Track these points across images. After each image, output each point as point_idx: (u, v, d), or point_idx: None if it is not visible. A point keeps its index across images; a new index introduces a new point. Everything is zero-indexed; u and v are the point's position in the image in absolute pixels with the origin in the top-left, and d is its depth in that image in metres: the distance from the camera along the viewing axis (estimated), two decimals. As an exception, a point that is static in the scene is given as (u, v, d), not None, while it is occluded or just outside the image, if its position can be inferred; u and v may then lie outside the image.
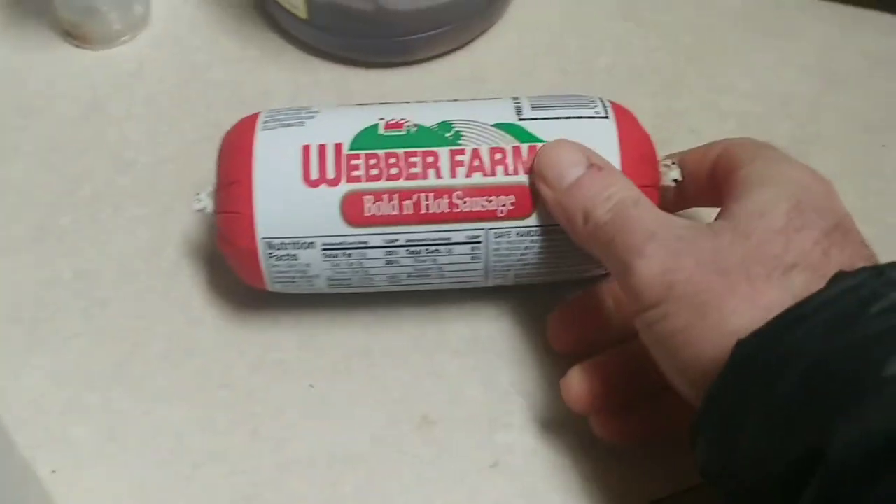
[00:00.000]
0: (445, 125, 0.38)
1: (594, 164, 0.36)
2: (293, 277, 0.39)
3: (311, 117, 0.39)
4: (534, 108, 0.39)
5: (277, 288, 0.40)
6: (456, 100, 0.41)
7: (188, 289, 0.43)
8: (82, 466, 0.38)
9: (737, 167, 0.36)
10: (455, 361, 0.41)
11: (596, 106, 0.39)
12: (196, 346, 0.41)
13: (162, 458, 0.38)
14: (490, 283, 0.40)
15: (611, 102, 0.40)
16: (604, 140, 0.38)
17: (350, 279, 0.39)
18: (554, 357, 0.40)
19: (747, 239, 0.32)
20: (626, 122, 0.39)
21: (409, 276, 0.39)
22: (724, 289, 0.31)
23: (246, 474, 0.38)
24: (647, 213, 0.34)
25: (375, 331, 0.42)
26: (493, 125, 0.38)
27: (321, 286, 0.39)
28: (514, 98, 0.40)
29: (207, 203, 0.40)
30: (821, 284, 0.29)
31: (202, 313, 0.42)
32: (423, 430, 0.39)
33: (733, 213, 0.33)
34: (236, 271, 0.40)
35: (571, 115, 0.39)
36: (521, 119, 0.38)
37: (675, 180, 0.39)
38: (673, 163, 0.39)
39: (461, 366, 0.41)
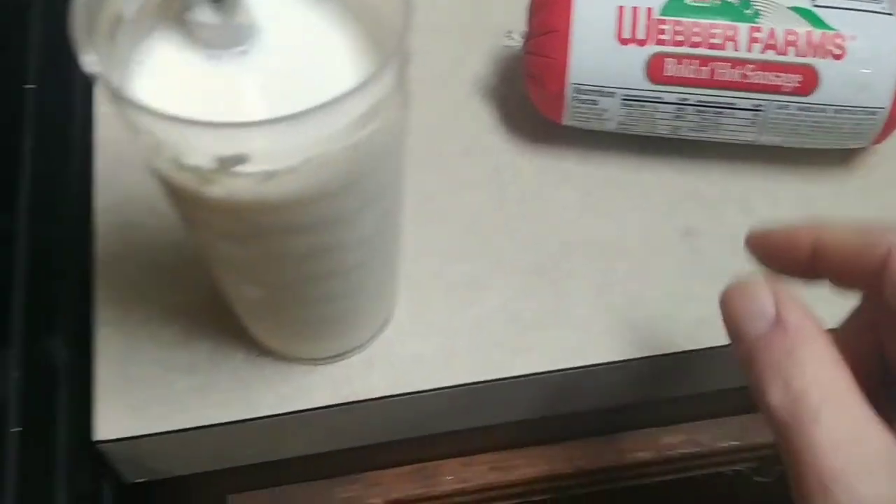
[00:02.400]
0: (746, 2, 0.43)
1: (782, 319, 0.28)
2: (588, 118, 0.46)
3: (626, -20, 0.44)
4: (828, -6, 0.43)
5: (570, 123, 0.47)
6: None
7: (481, 111, 0.50)
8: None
9: None
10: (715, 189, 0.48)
11: (882, 2, 0.43)
12: (490, 152, 0.49)
13: (465, 226, 0.47)
14: (756, 143, 0.46)
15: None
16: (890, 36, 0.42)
17: (636, 125, 0.46)
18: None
19: None
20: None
21: (689, 130, 0.45)
22: None
23: (535, 249, 0.46)
24: (831, 429, 0.26)
25: (645, 154, 0.49)
26: (790, 7, 0.43)
27: (608, 127, 0.46)
28: (811, -18, 0.44)
29: (518, 43, 0.47)
30: None
31: (495, 133, 0.50)
32: (686, 239, 0.46)
33: None
34: (538, 105, 0.47)
35: (861, 8, 0.43)
36: (815, 5, 0.43)
37: None
38: None
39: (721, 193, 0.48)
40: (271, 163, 0.27)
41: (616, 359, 0.42)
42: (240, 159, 0.26)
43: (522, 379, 0.42)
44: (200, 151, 0.27)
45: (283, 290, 0.35)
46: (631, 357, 0.42)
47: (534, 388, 0.43)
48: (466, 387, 0.42)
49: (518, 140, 0.49)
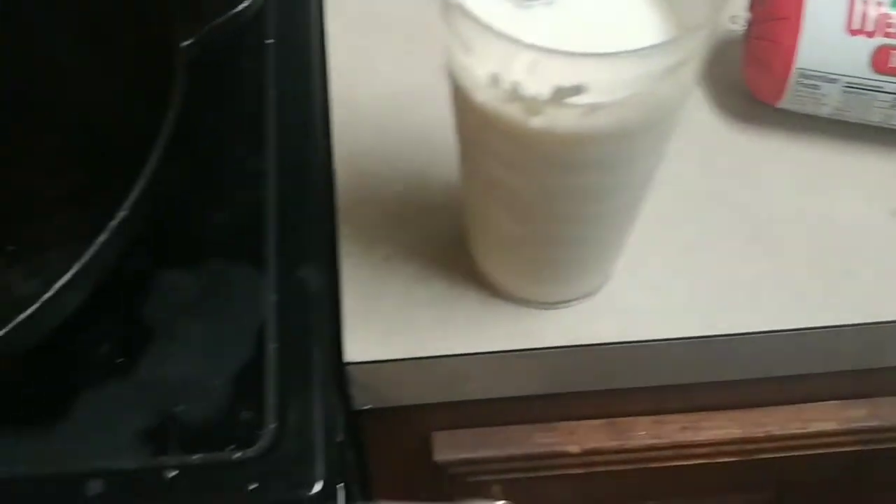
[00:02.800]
0: (972, -2, 0.45)
1: None
2: (805, 102, 0.48)
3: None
4: None
5: (786, 106, 0.49)
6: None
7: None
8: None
9: None
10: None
11: None
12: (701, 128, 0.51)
13: (678, 193, 0.49)
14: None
15: None
16: None
17: (850, 111, 0.48)
18: None
19: None
20: None
21: (898, 118, 0.48)
22: None
23: (746, 218, 0.48)
24: None
25: (851, 139, 0.51)
26: None
27: (822, 112, 0.49)
28: None
29: (741, 27, 0.49)
30: None
31: (705, 111, 0.52)
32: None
33: None
34: (755, 87, 0.49)
35: None
36: None
37: None
38: None
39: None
40: (602, 96, 0.30)
41: (831, 324, 0.44)
42: (577, 90, 0.30)
43: (737, 338, 0.45)
44: (543, 81, 0.30)
45: (546, 226, 0.38)
46: (845, 323, 0.44)
47: (746, 348, 0.45)
48: (683, 341, 0.45)
49: (728, 118, 0.52)
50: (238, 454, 0.40)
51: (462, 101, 0.34)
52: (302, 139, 0.50)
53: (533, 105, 0.31)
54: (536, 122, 0.31)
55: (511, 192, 0.37)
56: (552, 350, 0.44)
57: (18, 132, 0.49)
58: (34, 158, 0.47)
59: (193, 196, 0.47)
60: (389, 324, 0.45)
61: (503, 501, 0.47)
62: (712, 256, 0.47)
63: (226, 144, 0.49)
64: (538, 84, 0.30)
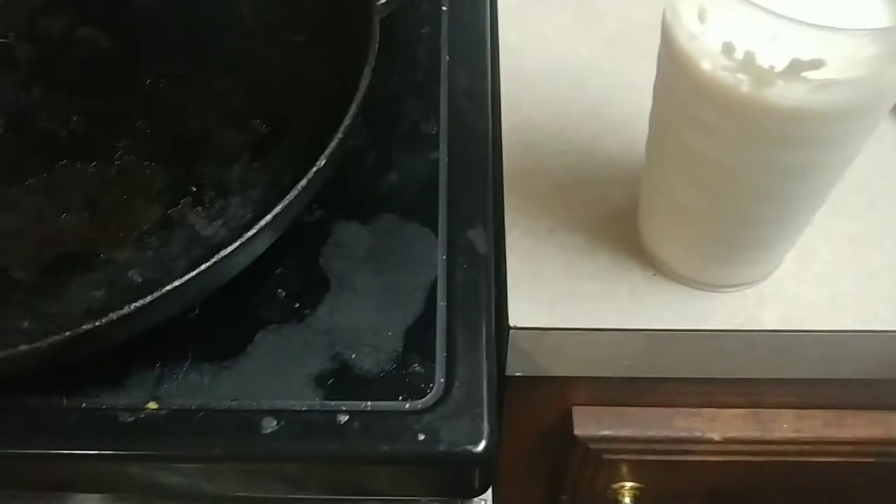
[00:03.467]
0: None
1: None
2: None
3: None
4: None
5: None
6: None
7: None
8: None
9: None
10: None
11: None
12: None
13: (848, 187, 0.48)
14: None
15: None
16: None
17: None
18: None
19: None
20: None
21: None
22: None
23: None
24: None
25: None
26: None
27: None
28: None
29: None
30: None
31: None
32: None
33: None
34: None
35: None
36: None
37: None
38: None
39: None
40: (837, 72, 0.30)
41: None
42: (815, 64, 0.30)
43: (902, 335, 0.44)
44: (780, 52, 0.30)
45: (737, 203, 0.38)
46: None
47: (911, 346, 0.45)
48: (852, 333, 0.44)
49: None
50: (407, 405, 0.41)
51: (675, 68, 0.35)
52: (472, 106, 0.50)
53: (765, 76, 0.31)
54: (765, 93, 0.31)
55: (708, 165, 0.37)
56: (715, 333, 0.44)
57: (212, 80, 0.50)
58: (225, 107, 0.49)
59: (370, 153, 0.49)
60: (552, 293, 0.45)
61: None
62: (880, 251, 0.46)
63: (402, 105, 0.50)
64: (774, 55, 0.30)
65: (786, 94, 0.31)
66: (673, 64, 0.35)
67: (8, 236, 0.44)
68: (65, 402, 0.40)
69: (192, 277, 0.36)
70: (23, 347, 0.34)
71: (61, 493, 0.46)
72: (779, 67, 0.30)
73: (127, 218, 0.45)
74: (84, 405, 0.40)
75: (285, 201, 0.39)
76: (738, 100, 0.32)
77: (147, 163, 0.46)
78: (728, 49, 0.31)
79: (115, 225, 0.44)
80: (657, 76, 0.39)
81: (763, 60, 0.30)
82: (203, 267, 0.36)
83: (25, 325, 0.41)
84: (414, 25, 0.54)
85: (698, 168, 0.38)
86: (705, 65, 0.32)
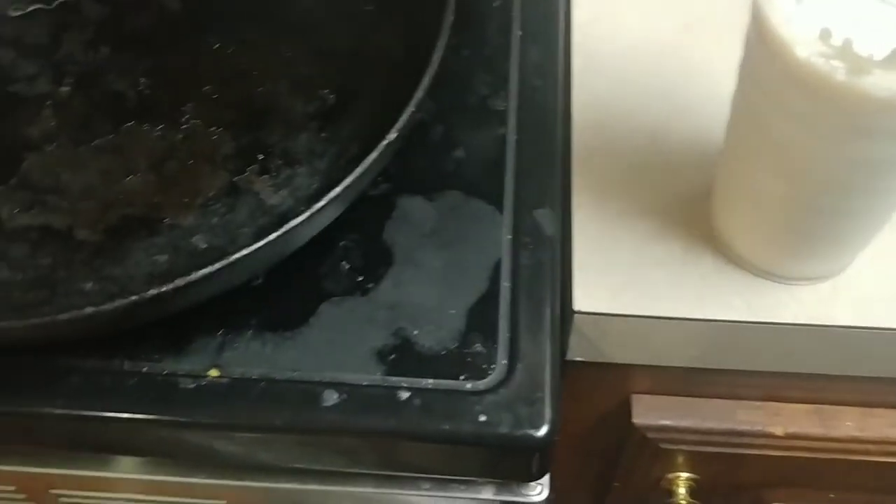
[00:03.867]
0: None
1: None
2: None
3: None
4: None
5: None
6: None
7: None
8: None
9: None
10: None
11: None
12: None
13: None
14: None
15: None
16: None
17: None
18: None
19: None
20: None
21: None
22: None
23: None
24: None
25: None
26: None
27: None
28: None
29: None
30: None
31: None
32: None
33: None
34: None
35: None
36: None
37: None
38: None
39: None
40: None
41: None
42: (921, 54, 0.28)
43: (984, 338, 0.43)
44: (882, 41, 0.29)
45: (821, 194, 0.37)
46: None
47: None
48: (929, 333, 0.43)
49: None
50: (469, 384, 0.40)
51: (766, 52, 0.33)
52: (543, 82, 0.49)
53: (862, 64, 0.29)
54: (861, 82, 0.30)
55: (792, 154, 0.36)
56: (786, 327, 0.43)
57: (280, 47, 0.50)
58: (293, 74, 0.48)
59: (437, 128, 0.48)
60: (619, 279, 0.44)
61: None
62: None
63: (470, 80, 0.49)
64: (874, 43, 0.29)
65: (883, 83, 0.30)
66: (763, 48, 0.34)
67: (73, 196, 0.44)
68: (125, 366, 0.40)
69: (260, 247, 0.36)
70: (88, 310, 0.34)
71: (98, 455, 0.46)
72: (878, 56, 0.29)
73: (192, 183, 0.44)
74: (145, 369, 0.40)
75: (355, 173, 0.38)
76: (832, 88, 0.31)
77: (214, 128, 0.46)
78: (825, 35, 0.30)
79: (180, 190, 0.44)
80: (743, 59, 0.37)
81: (861, 48, 0.29)
82: (272, 237, 0.36)
83: (88, 286, 0.41)
84: (485, -4, 0.53)
85: (781, 156, 0.37)
86: (800, 51, 0.31)
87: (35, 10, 0.51)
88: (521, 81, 0.49)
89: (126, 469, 0.45)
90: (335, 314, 0.42)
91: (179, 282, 0.35)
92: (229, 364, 0.40)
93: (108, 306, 0.34)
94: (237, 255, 0.35)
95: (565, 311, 0.44)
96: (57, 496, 0.47)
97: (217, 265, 0.35)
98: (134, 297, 0.34)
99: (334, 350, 0.41)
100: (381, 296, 0.42)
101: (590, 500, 0.62)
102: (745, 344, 0.44)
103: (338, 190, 0.38)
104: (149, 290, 0.35)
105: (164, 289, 0.35)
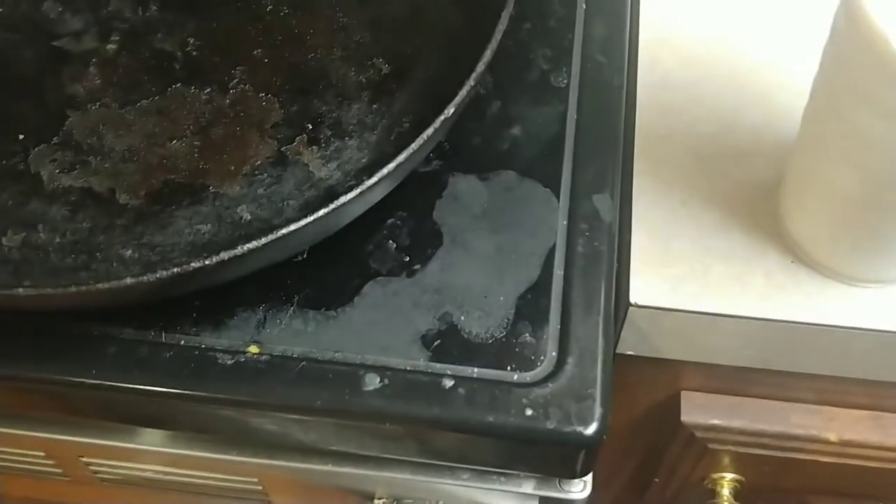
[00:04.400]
0: None
1: None
2: None
3: None
4: None
5: None
6: None
7: None
8: None
9: None
10: None
11: None
12: None
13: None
14: None
15: None
16: None
17: None
18: None
19: None
20: None
21: None
22: None
23: None
24: None
25: None
26: None
27: None
28: None
29: None
30: None
31: None
32: None
33: None
34: None
35: None
36: None
37: None
38: None
39: None
40: None
41: None
42: None
43: None
44: None
45: (892, 190, 0.35)
46: None
47: None
48: None
49: None
50: (516, 376, 0.38)
51: (857, 42, 0.31)
52: (607, 60, 0.47)
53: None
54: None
55: (875, 150, 0.34)
56: (851, 330, 0.41)
57: (334, 11, 0.47)
58: (346, 41, 0.46)
59: (493, 103, 0.46)
60: (678, 271, 0.42)
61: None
62: None
63: (531, 54, 0.47)
64: None
65: None
66: (854, 36, 0.32)
67: (116, 157, 0.43)
68: (163, 338, 0.39)
69: (309, 223, 0.34)
70: (128, 280, 0.33)
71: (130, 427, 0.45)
72: None
73: (238, 151, 0.43)
74: (182, 342, 0.38)
75: (409, 150, 0.36)
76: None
77: (263, 94, 0.44)
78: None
79: (225, 157, 0.43)
80: (828, 45, 0.35)
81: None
82: (321, 213, 0.34)
83: (128, 253, 0.40)
84: (551, -32, 0.50)
85: (863, 152, 0.35)
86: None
87: (83, -38, 0.49)
88: (585, 57, 0.47)
89: (158, 442, 0.44)
90: (380, 295, 0.40)
91: (224, 256, 0.33)
92: (269, 341, 0.39)
93: (148, 277, 0.33)
94: (284, 232, 0.34)
95: (619, 302, 0.42)
96: (86, 464, 0.47)
97: (263, 240, 0.34)
98: (176, 269, 0.33)
99: (378, 332, 0.39)
100: (428, 278, 0.40)
101: (627, 494, 0.61)
102: (805, 345, 0.42)
103: (391, 167, 0.36)
104: (191, 261, 0.33)
105: (206, 262, 0.33)
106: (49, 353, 0.38)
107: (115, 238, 0.40)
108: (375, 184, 0.36)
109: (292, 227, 0.34)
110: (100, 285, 0.33)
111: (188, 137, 0.43)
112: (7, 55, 0.47)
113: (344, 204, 0.35)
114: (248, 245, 0.34)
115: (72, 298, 0.34)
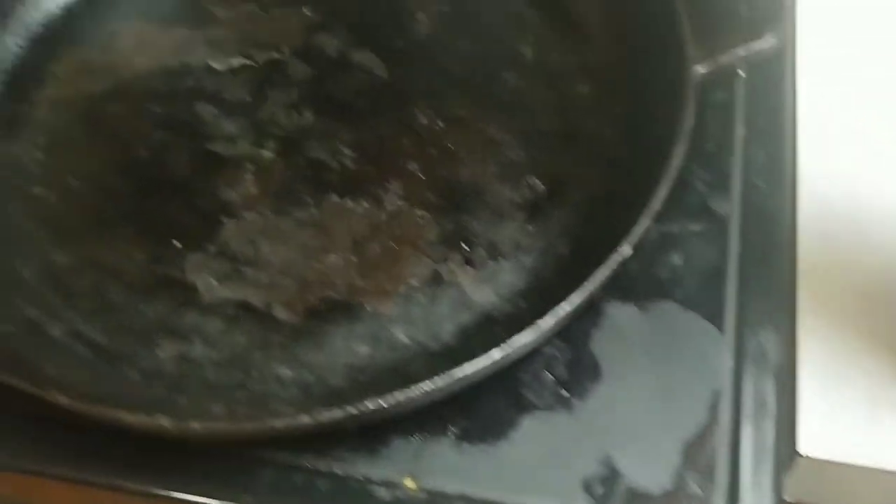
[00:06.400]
0: None
1: None
2: None
3: None
4: None
5: None
6: None
7: None
8: None
9: None
10: None
11: None
12: None
13: None
14: None
15: None
16: None
17: None
18: None
19: None
20: None
21: None
22: None
23: None
24: None
25: None
26: None
27: None
28: None
29: None
30: None
31: None
32: None
33: None
34: None
35: None
36: None
37: None
38: None
39: None
40: None
41: None
42: None
43: None
44: None
45: None
46: None
47: None
48: None
49: None
50: (684, 532, 0.37)
51: None
52: (769, 185, 0.45)
53: None
54: None
55: None
56: None
57: (489, 125, 0.47)
58: (501, 157, 0.46)
59: (651, 229, 0.44)
60: (849, 421, 0.40)
61: None
62: None
63: (689, 178, 0.46)
64: None
65: None
66: None
67: (273, 270, 0.42)
68: (318, 465, 0.38)
69: (483, 368, 0.33)
70: (304, 419, 0.32)
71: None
72: None
73: (394, 268, 0.42)
74: (337, 471, 0.38)
75: (582, 291, 0.35)
76: None
77: (418, 210, 0.44)
78: None
79: (382, 274, 0.42)
80: None
81: None
82: (497, 356, 0.33)
83: (284, 372, 0.39)
84: (705, 88, 0.49)
85: None
86: None
87: (240, 65, 0.49)
88: (745, 182, 0.45)
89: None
90: (537, 430, 0.39)
91: (399, 396, 0.32)
92: (424, 473, 0.38)
93: (324, 415, 0.32)
94: (462, 373, 0.33)
95: (786, 450, 0.40)
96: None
97: (440, 382, 0.33)
98: (350, 409, 0.32)
99: (536, 472, 0.38)
100: (588, 415, 0.39)
101: None
102: None
103: (566, 308, 0.35)
104: (364, 400, 0.32)
105: (382, 405, 0.32)
106: (204, 475, 0.37)
107: (273, 355, 0.39)
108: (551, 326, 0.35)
109: (467, 370, 0.33)
110: (275, 422, 0.32)
111: (344, 252, 0.42)
112: (161, 156, 0.47)
113: (519, 347, 0.34)
114: (422, 386, 0.33)
115: (244, 433, 0.33)
